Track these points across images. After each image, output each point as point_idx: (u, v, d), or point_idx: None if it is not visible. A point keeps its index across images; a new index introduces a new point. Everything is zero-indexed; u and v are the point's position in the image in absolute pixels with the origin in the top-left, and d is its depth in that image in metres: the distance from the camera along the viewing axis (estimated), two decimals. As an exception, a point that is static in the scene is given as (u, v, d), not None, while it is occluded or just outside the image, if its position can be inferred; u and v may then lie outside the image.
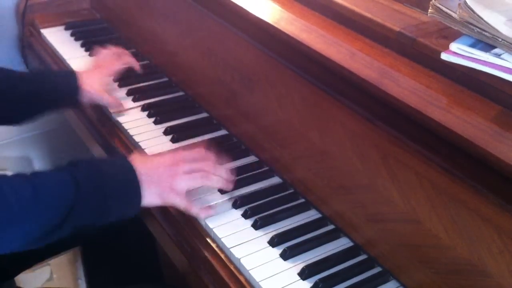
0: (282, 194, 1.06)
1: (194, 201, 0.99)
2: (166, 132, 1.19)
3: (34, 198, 0.84)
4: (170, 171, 0.96)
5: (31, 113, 1.20)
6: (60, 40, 1.53)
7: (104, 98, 1.25)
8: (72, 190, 0.87)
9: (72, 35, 1.56)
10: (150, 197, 0.94)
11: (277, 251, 0.94)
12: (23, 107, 1.17)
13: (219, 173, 1.00)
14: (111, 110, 1.26)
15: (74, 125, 1.40)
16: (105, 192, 0.90)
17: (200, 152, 1.02)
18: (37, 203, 0.85)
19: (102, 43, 1.52)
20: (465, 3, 0.81)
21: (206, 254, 0.95)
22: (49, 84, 1.20)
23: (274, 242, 0.94)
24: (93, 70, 1.28)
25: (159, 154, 1.05)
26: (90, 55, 1.47)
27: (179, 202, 0.96)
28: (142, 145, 1.15)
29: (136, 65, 1.38)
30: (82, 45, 1.51)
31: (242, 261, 0.91)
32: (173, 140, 1.17)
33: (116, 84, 1.35)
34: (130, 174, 0.93)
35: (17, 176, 0.88)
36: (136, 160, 0.95)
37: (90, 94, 1.23)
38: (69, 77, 1.23)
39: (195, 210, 0.98)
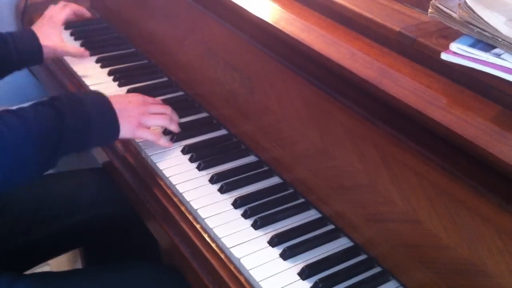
0: (282, 194, 1.06)
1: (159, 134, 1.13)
2: (166, 132, 1.19)
3: (25, 129, 0.92)
4: (140, 109, 1.09)
5: None
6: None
7: (66, 50, 1.35)
8: (58, 122, 0.95)
9: (71, 34, 1.56)
10: (124, 130, 1.06)
11: (277, 251, 0.94)
12: None
13: (175, 118, 1.18)
14: (77, 57, 1.38)
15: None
16: (88, 121, 0.99)
17: (159, 100, 1.21)
18: (29, 133, 0.92)
19: (102, 42, 1.53)
20: (465, 3, 0.81)
21: (206, 254, 0.95)
22: (12, 46, 1.25)
23: (274, 242, 0.95)
24: (46, 24, 1.35)
25: (130, 94, 1.22)
26: (90, 54, 1.47)
27: (148, 135, 1.11)
28: (142, 144, 1.15)
29: (85, 12, 1.47)
30: (82, 45, 1.51)
31: (242, 261, 0.91)
32: (173, 140, 1.17)
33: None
34: (108, 107, 1.04)
35: (5, 111, 0.94)
36: (110, 97, 1.07)
37: (53, 49, 1.31)
38: (30, 37, 1.29)
39: (162, 141, 1.12)
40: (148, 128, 1.11)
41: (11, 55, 1.25)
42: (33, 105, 0.98)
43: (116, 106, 1.05)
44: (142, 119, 1.09)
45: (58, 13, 1.39)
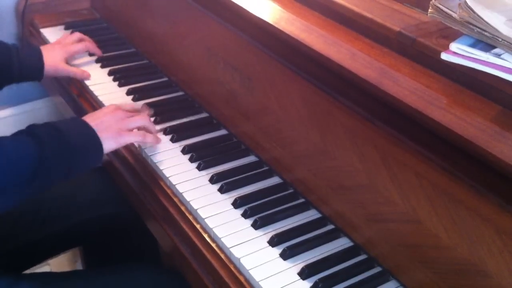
0: (282, 194, 1.06)
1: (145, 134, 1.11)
2: (166, 132, 1.19)
3: (3, 159, 0.89)
4: (116, 116, 1.08)
5: None
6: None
7: (68, 71, 1.36)
8: (36, 148, 0.93)
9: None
10: (107, 143, 1.03)
11: (277, 251, 0.94)
12: None
13: (147, 113, 1.18)
14: (78, 78, 1.38)
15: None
16: (69, 147, 0.97)
17: (133, 104, 1.23)
18: (6, 163, 0.90)
19: (102, 43, 1.52)
20: (465, 3, 0.81)
21: (206, 254, 0.95)
22: (15, 58, 1.26)
23: (274, 241, 0.95)
24: (58, 49, 1.36)
25: (103, 108, 1.18)
26: (90, 54, 1.47)
27: (133, 138, 1.09)
28: (142, 146, 1.15)
29: (97, 52, 1.46)
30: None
31: (242, 260, 0.91)
32: (173, 140, 1.17)
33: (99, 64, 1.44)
34: (85, 127, 1.02)
35: None
36: (84, 117, 1.06)
37: (55, 68, 1.33)
38: (34, 53, 1.31)
39: (149, 139, 1.11)
40: (131, 131, 1.09)
41: (13, 67, 1.25)
42: (11, 135, 0.96)
43: (92, 123, 1.03)
44: (121, 125, 1.07)
45: (73, 45, 1.40)
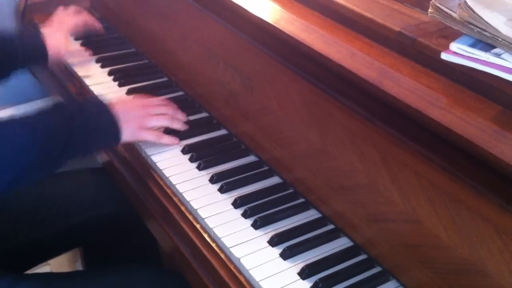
0: (282, 194, 1.06)
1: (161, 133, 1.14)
2: (166, 132, 1.19)
3: (32, 134, 0.95)
4: (140, 111, 1.11)
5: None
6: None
7: (69, 50, 1.38)
8: (66, 125, 0.99)
9: (71, 34, 1.56)
10: (125, 134, 1.08)
11: (277, 250, 0.94)
12: None
13: (179, 117, 1.19)
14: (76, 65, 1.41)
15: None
16: (91, 126, 1.03)
17: (165, 100, 1.21)
18: (35, 138, 0.95)
19: (102, 42, 1.53)
20: (465, 3, 0.81)
21: (206, 253, 0.95)
22: (18, 43, 1.27)
23: (274, 241, 0.95)
24: (55, 27, 1.37)
25: (132, 97, 1.25)
26: (90, 54, 1.47)
27: (150, 137, 1.12)
28: (142, 144, 1.15)
29: (95, 23, 1.47)
30: (82, 45, 1.51)
31: (242, 260, 0.91)
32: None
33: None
34: (108, 112, 1.06)
35: (13, 117, 0.97)
36: (111, 102, 1.09)
37: (57, 49, 1.34)
38: (36, 36, 1.32)
39: (165, 139, 1.14)
40: (150, 129, 1.12)
41: (17, 53, 1.26)
42: (39, 110, 1.00)
43: (119, 111, 1.07)
44: (142, 122, 1.11)
45: (69, 18, 1.40)
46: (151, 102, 1.17)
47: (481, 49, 0.79)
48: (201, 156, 1.12)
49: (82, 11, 1.45)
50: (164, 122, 1.15)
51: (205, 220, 0.98)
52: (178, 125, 1.17)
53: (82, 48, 1.49)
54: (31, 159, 0.94)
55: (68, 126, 0.99)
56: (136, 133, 1.10)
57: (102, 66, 1.43)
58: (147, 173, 1.12)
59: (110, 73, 1.40)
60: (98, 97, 1.22)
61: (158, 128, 1.15)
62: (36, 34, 1.32)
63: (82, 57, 1.40)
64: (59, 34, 1.36)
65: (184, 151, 1.14)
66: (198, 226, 0.99)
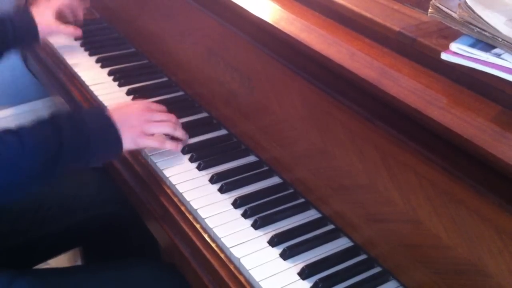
0: (282, 194, 1.06)
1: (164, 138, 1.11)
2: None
3: (20, 146, 0.92)
4: (142, 117, 1.08)
5: None
6: (59, 40, 1.53)
7: (61, 30, 1.40)
8: (55, 136, 0.95)
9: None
10: (127, 142, 1.04)
11: (277, 251, 0.94)
12: None
13: (179, 125, 1.15)
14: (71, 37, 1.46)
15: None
16: (87, 136, 0.99)
17: (164, 107, 1.17)
18: (23, 150, 0.92)
19: (102, 42, 1.53)
20: (465, 3, 0.81)
21: (206, 253, 0.95)
22: (9, 24, 1.28)
23: (274, 242, 0.95)
24: (42, 4, 1.38)
25: (132, 102, 1.22)
26: (89, 54, 1.47)
27: (151, 143, 1.09)
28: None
29: (79, 9, 1.49)
30: (82, 45, 1.51)
31: (242, 260, 0.91)
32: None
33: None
34: (107, 120, 1.03)
35: (2, 130, 0.95)
36: (111, 109, 1.07)
37: (48, 29, 1.36)
38: (26, 15, 1.33)
39: (167, 145, 1.11)
40: (152, 135, 1.09)
41: (8, 33, 1.27)
42: (31, 122, 0.98)
43: (117, 119, 1.04)
44: (144, 128, 1.08)
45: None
46: (150, 107, 1.14)
47: (481, 49, 0.78)
48: (201, 156, 1.12)
49: None
50: (166, 129, 1.12)
51: (205, 220, 0.98)
52: (180, 133, 1.14)
53: (71, 26, 1.48)
54: (20, 171, 0.92)
55: (58, 136, 0.96)
56: (137, 140, 1.06)
57: (102, 66, 1.43)
58: (147, 173, 1.12)
59: (110, 73, 1.40)
60: (98, 106, 1.20)
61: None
62: (25, 13, 1.33)
63: (72, 31, 1.43)
64: (48, 12, 1.37)
65: (184, 151, 1.14)
66: (198, 226, 0.99)
